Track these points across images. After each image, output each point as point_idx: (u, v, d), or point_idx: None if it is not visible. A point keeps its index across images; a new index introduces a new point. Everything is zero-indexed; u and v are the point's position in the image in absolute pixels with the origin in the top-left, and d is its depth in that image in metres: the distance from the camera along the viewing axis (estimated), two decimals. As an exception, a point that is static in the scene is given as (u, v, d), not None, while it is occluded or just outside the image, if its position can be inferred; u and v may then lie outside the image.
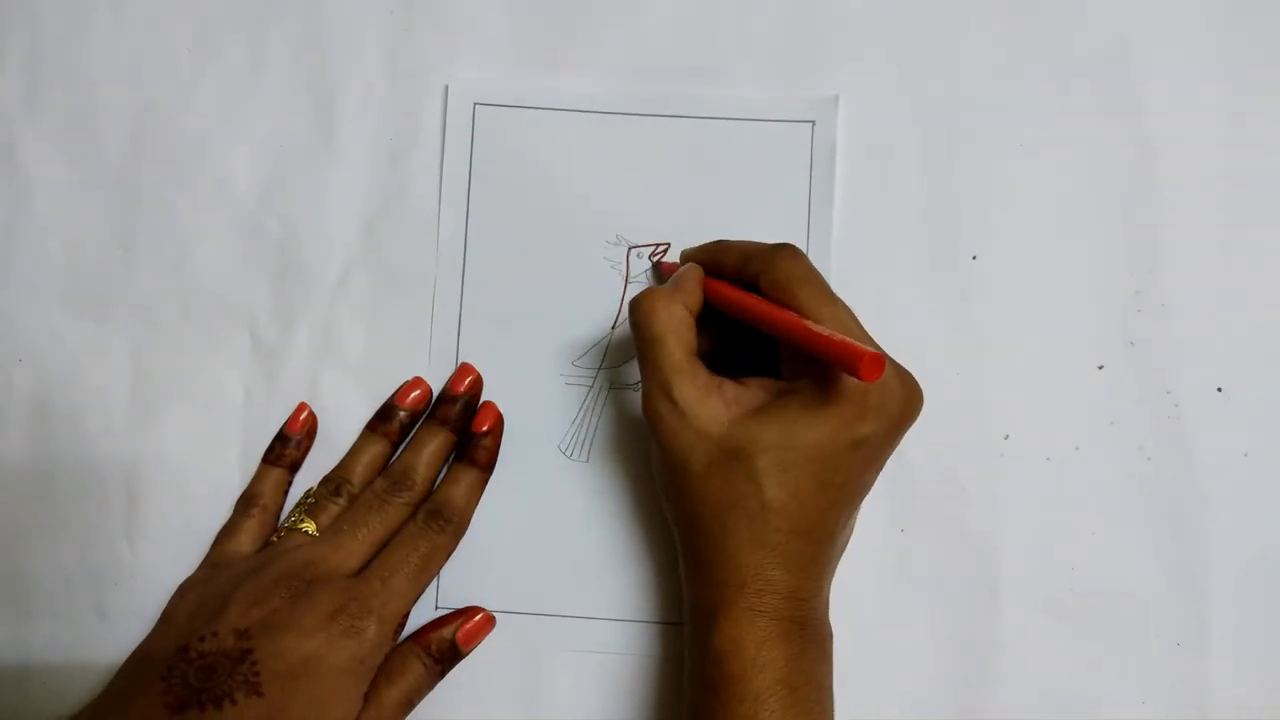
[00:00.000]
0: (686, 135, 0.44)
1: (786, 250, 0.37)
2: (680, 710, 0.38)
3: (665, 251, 0.43)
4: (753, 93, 0.44)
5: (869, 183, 0.43)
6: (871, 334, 0.42)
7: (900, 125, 0.44)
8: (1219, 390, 0.42)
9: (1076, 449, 0.42)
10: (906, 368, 0.37)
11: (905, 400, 0.35)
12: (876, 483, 0.42)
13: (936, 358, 0.42)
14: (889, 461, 0.42)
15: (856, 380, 0.33)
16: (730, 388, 0.36)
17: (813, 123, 0.44)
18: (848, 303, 0.43)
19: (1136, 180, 0.43)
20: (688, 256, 0.41)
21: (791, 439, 0.34)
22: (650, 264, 0.43)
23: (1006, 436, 0.42)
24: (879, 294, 0.43)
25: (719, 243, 0.40)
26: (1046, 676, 0.41)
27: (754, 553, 0.35)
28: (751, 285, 0.37)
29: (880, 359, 0.31)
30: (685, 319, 0.37)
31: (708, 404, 0.35)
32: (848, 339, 0.33)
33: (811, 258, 0.42)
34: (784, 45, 0.44)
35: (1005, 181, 0.43)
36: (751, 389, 0.36)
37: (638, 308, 0.37)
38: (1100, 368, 0.42)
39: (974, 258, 0.43)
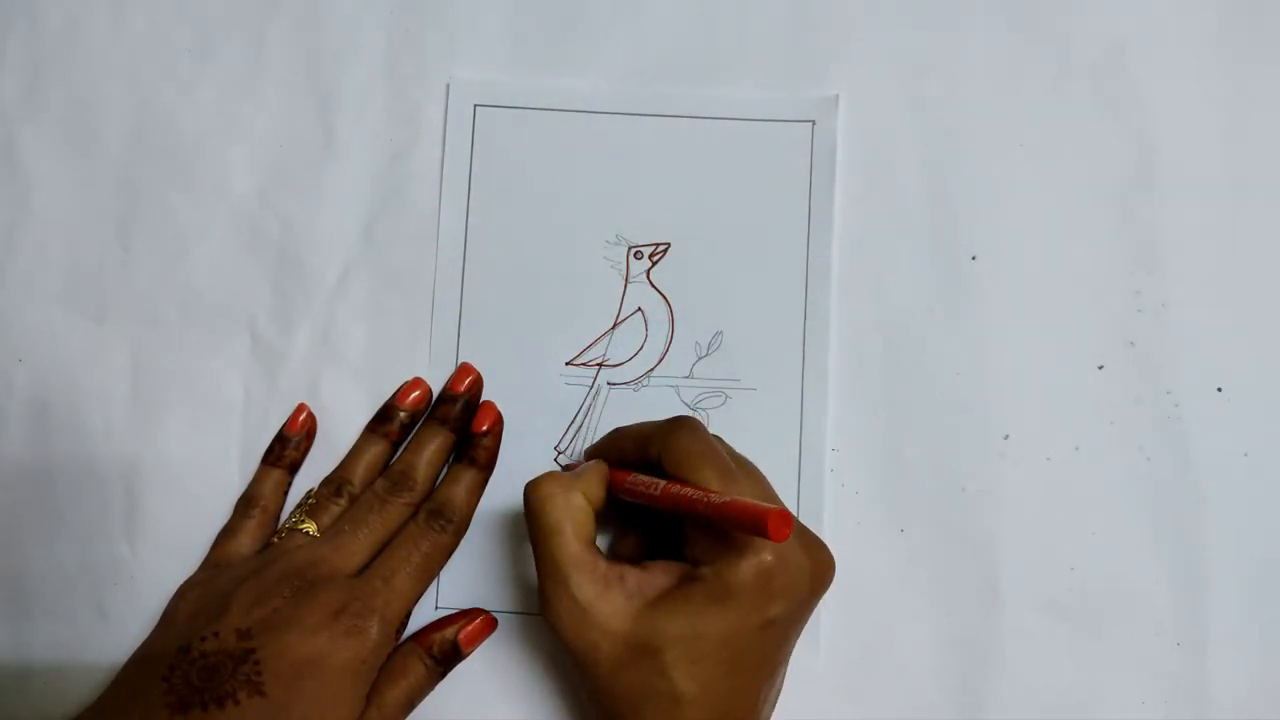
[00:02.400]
0: (686, 135, 0.44)
1: (683, 426, 0.36)
2: None
3: (665, 252, 0.43)
4: (753, 93, 0.44)
5: (869, 183, 0.43)
6: (871, 335, 0.43)
7: (900, 125, 0.44)
8: (1219, 390, 0.42)
9: (1076, 449, 0.42)
10: (815, 534, 0.36)
11: (814, 574, 0.35)
12: (876, 481, 0.42)
13: (936, 358, 0.43)
14: (884, 461, 0.42)
15: (760, 562, 0.33)
16: (632, 576, 0.35)
17: (813, 123, 0.44)
18: (847, 303, 0.43)
19: (1136, 180, 0.43)
20: (590, 453, 0.41)
21: (698, 629, 0.34)
22: (574, 449, 0.43)
23: (1006, 436, 0.42)
24: (879, 294, 0.43)
25: (616, 431, 0.40)
26: (1046, 676, 0.41)
27: None
28: (655, 467, 0.36)
29: (787, 515, 0.31)
30: (583, 507, 0.36)
31: (609, 598, 0.35)
32: (749, 501, 0.32)
33: (811, 258, 0.43)
34: (784, 45, 0.44)
35: (1005, 181, 0.43)
36: (654, 574, 0.35)
37: (531, 494, 0.36)
38: (1100, 368, 0.42)
39: (974, 258, 0.43)
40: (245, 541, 0.41)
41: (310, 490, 0.42)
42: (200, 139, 0.45)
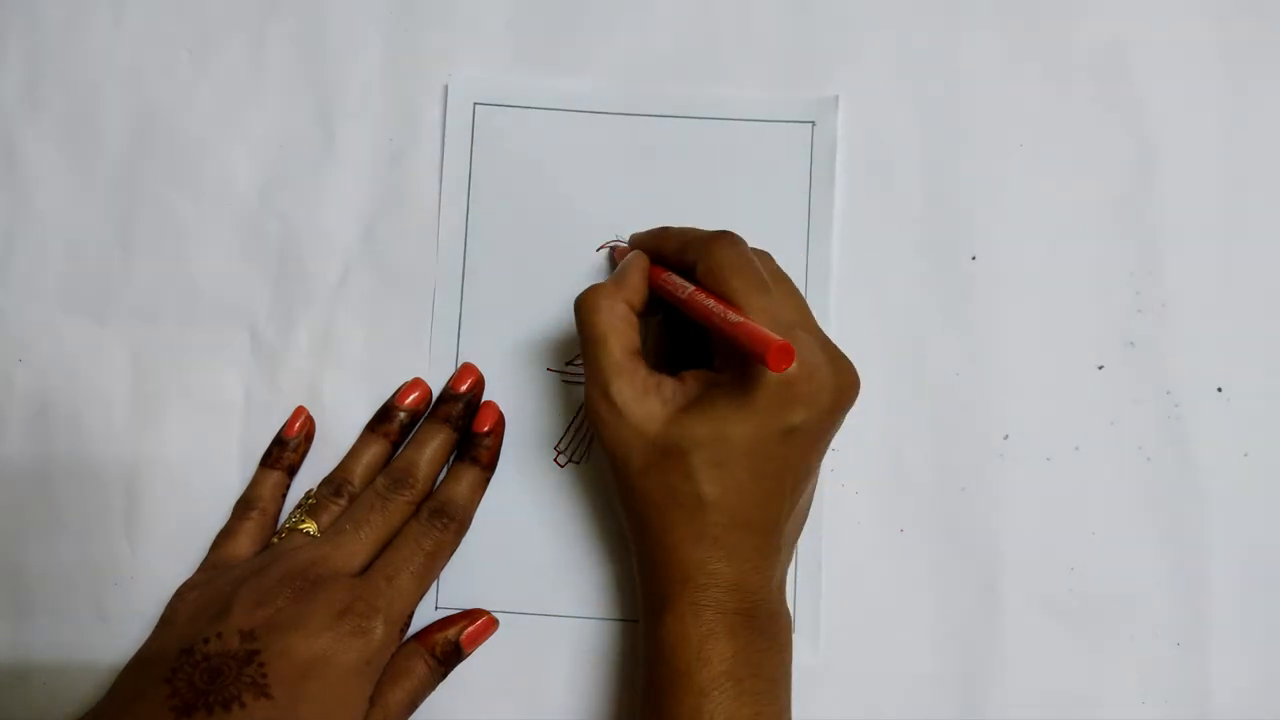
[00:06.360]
0: (687, 135, 0.44)
1: (723, 238, 0.37)
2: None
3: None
4: (753, 93, 0.44)
5: (869, 183, 0.43)
6: (871, 335, 0.43)
7: (900, 125, 0.44)
8: (1219, 390, 0.42)
9: (1076, 449, 0.42)
10: (843, 352, 0.36)
11: (837, 388, 0.35)
12: (876, 481, 0.42)
13: (936, 358, 0.43)
14: (884, 461, 0.42)
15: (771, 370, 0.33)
16: (669, 385, 0.36)
17: (813, 123, 0.44)
18: (847, 303, 0.43)
19: (1136, 180, 0.43)
20: (635, 241, 0.41)
21: (722, 433, 0.34)
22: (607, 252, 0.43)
23: (1006, 436, 0.42)
24: (879, 294, 0.43)
25: (663, 229, 0.40)
26: (1046, 676, 0.41)
27: (695, 548, 0.35)
28: (691, 272, 0.37)
29: (788, 349, 0.31)
30: (627, 316, 0.37)
31: (645, 403, 0.36)
32: (756, 327, 0.32)
33: (811, 258, 0.43)
34: (784, 45, 0.44)
35: (1005, 181, 0.43)
36: (688, 383, 0.36)
37: (581, 306, 0.37)
38: (1100, 368, 0.42)
39: (974, 258, 0.43)
40: (244, 543, 0.41)
41: (310, 490, 0.42)
42: (200, 139, 0.45)
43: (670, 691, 0.35)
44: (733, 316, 0.34)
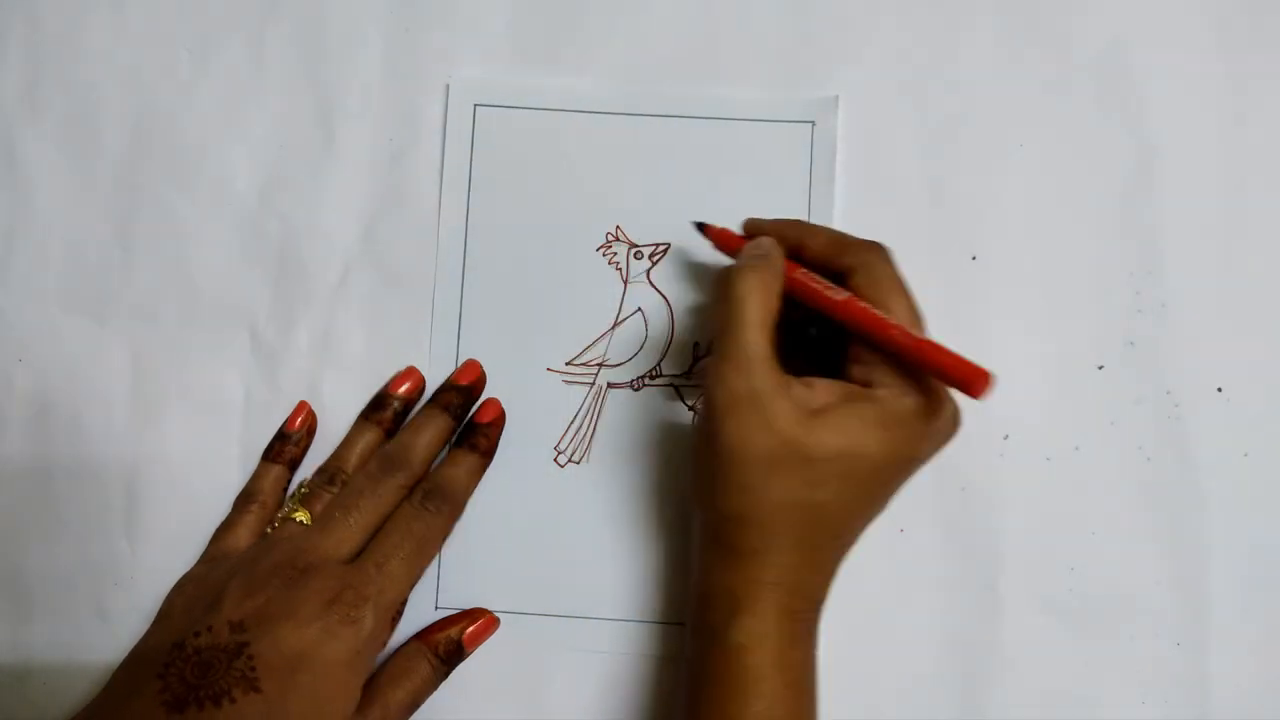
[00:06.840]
0: (686, 135, 0.44)
1: (881, 250, 0.36)
2: (676, 706, 0.38)
3: (665, 252, 0.43)
4: (753, 93, 0.44)
5: (869, 183, 0.43)
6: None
7: (900, 125, 0.44)
8: (1219, 390, 0.42)
9: (1076, 449, 0.42)
10: None
11: (955, 425, 0.35)
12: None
13: (936, 358, 0.42)
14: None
15: (929, 399, 0.34)
16: (796, 386, 0.35)
17: (813, 123, 0.44)
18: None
19: (1136, 180, 0.43)
20: (757, 228, 0.39)
21: (859, 449, 0.33)
22: (695, 227, 0.41)
23: (1006, 436, 0.42)
24: (879, 294, 0.43)
25: (798, 222, 0.38)
26: (1046, 676, 0.41)
27: (796, 553, 0.35)
28: (836, 275, 0.36)
29: (988, 376, 0.32)
30: (776, 308, 0.35)
31: (779, 399, 0.34)
32: (949, 350, 0.33)
33: (812, 258, 0.43)
34: (784, 45, 0.44)
35: (1005, 181, 0.43)
36: (818, 391, 0.35)
37: (738, 284, 0.35)
38: (1100, 368, 0.42)
39: (974, 258, 0.43)
40: (243, 535, 0.41)
41: (303, 480, 0.42)
42: (200, 139, 0.45)
43: (733, 693, 0.34)
44: (917, 333, 0.33)
